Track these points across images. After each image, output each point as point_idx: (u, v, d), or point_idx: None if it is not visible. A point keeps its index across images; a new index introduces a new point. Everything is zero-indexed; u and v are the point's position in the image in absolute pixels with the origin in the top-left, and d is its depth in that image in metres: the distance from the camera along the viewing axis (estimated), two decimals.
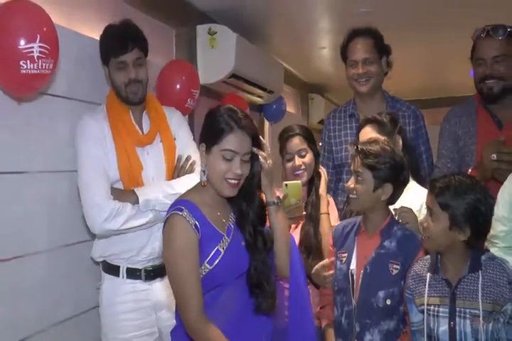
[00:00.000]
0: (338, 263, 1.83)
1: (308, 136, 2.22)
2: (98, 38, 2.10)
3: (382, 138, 1.93)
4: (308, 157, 2.20)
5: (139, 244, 2.02)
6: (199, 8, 3.16)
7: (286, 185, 1.98)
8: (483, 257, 1.58)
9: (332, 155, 2.61)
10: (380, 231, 1.78)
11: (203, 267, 1.51)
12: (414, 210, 1.89)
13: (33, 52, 1.64)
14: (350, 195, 1.81)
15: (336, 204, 2.50)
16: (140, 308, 2.02)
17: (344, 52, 2.57)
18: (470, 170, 2.15)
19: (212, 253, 1.51)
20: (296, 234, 2.06)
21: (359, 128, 2.16)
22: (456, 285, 1.57)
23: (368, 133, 2.08)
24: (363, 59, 2.50)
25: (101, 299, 2.06)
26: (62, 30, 1.98)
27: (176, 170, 2.11)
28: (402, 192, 1.80)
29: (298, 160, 2.17)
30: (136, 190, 1.97)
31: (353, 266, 1.78)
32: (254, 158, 1.58)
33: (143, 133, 2.07)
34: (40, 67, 1.68)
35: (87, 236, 2.15)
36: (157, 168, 2.07)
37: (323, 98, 6.12)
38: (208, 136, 1.56)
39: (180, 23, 2.95)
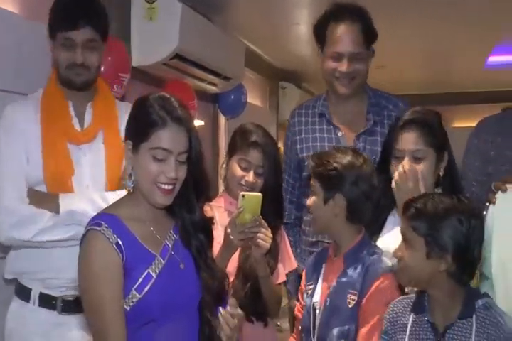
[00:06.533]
0: (305, 297, 1.80)
1: (274, 156, 2.05)
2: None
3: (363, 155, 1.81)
4: (262, 181, 2.03)
5: (60, 263, 1.88)
6: None
7: (243, 196, 1.84)
8: (479, 301, 1.52)
9: (299, 174, 2.33)
10: (344, 255, 1.74)
11: (130, 296, 1.42)
12: None
13: None
14: (309, 215, 1.81)
15: (305, 222, 2.37)
16: None
17: (322, 33, 2.25)
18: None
19: (141, 278, 1.44)
20: (233, 260, 1.94)
21: (396, 130, 1.86)
22: (444, 332, 1.51)
23: (409, 141, 1.80)
24: (350, 53, 2.18)
25: (4, 328, 1.96)
26: None
27: (122, 180, 2.00)
28: (369, 207, 1.75)
29: (253, 177, 2.01)
30: (61, 196, 1.88)
31: (316, 298, 1.76)
32: (191, 158, 1.52)
33: (82, 128, 1.98)
34: None
35: None
36: (95, 175, 1.97)
37: (298, 88, 5.94)
38: (135, 131, 1.50)
39: None
